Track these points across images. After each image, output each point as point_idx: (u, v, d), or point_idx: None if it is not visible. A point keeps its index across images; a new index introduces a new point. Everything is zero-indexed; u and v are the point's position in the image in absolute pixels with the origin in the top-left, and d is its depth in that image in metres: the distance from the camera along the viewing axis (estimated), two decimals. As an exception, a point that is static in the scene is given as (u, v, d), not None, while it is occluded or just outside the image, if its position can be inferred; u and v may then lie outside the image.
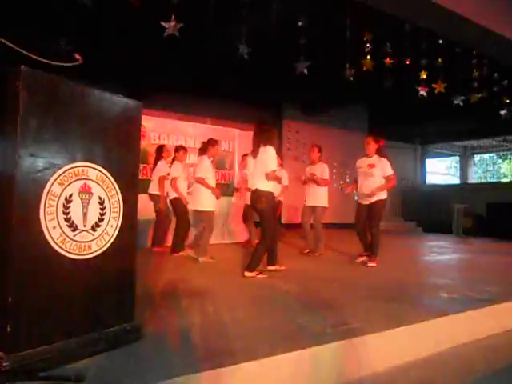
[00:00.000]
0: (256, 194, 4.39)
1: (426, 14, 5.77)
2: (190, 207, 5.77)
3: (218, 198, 5.55)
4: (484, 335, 3.13)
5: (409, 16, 5.95)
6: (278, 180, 4.56)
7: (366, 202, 5.27)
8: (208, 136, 6.33)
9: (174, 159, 6.20)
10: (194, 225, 6.15)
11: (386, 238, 9.96)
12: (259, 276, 4.32)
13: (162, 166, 6.22)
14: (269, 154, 4.35)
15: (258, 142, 4.46)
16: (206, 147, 5.64)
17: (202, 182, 5.38)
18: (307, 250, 6.37)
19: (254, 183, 4.44)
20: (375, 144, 5.33)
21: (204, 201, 5.43)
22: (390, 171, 5.22)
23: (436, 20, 5.95)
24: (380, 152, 5.33)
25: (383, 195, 5.25)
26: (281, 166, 7.08)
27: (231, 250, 6.57)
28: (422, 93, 6.87)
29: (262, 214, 4.39)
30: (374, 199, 5.19)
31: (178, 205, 5.90)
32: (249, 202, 4.86)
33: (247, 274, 4.30)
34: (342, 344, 2.35)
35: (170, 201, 6.02)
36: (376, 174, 5.23)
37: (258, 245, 4.51)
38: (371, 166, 5.28)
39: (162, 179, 6.04)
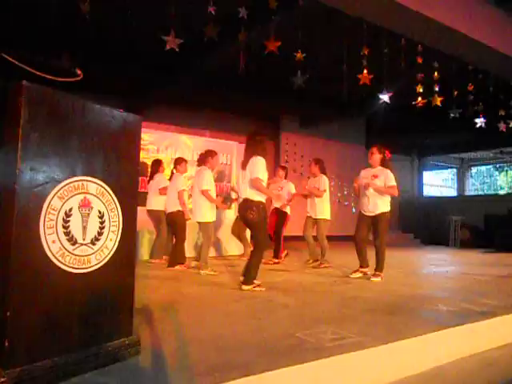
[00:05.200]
0: (246, 204, 4.26)
1: (422, 29, 5.85)
2: (192, 219, 5.74)
3: (225, 208, 5.65)
4: (483, 349, 3.11)
5: (405, 31, 6.03)
6: (263, 190, 4.27)
7: (370, 213, 5.16)
8: (206, 148, 6.34)
9: (172, 172, 6.19)
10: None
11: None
12: (256, 289, 4.26)
13: (161, 180, 6.21)
14: (257, 162, 4.24)
15: (251, 153, 4.34)
16: (205, 158, 5.60)
17: (206, 195, 5.37)
18: (311, 261, 6.39)
19: (244, 193, 4.32)
20: (379, 154, 5.21)
21: (204, 212, 5.41)
22: (392, 182, 5.10)
23: (433, 35, 6.02)
24: (385, 163, 5.22)
25: (386, 207, 5.13)
26: (285, 178, 7.13)
27: (229, 263, 6.55)
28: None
29: (253, 225, 4.27)
30: (378, 212, 5.08)
31: (179, 218, 5.86)
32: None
33: (244, 287, 4.25)
34: (342, 358, 2.34)
35: (170, 214, 5.95)
36: (378, 185, 5.14)
37: (251, 257, 4.38)
38: (375, 176, 5.17)
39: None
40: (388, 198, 5.17)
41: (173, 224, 5.96)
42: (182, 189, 5.82)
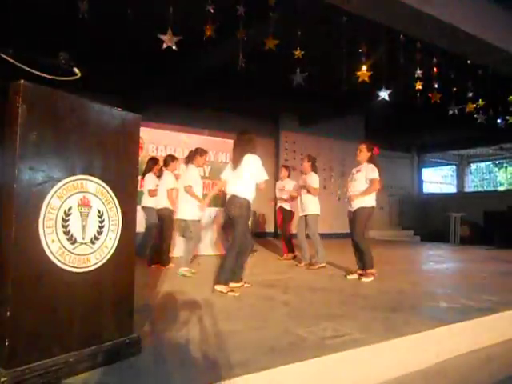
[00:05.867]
0: (232, 200, 4.19)
1: (421, 25, 5.84)
2: (176, 216, 5.62)
3: (202, 210, 5.41)
4: (484, 345, 3.12)
5: (403, 27, 6.02)
6: (262, 188, 4.24)
7: (351, 208, 5.07)
8: (205, 147, 6.31)
9: (161, 169, 6.12)
10: (183, 235, 5.95)
11: (383, 248, 9.96)
12: (230, 293, 3.98)
13: (151, 179, 6.18)
14: (256, 162, 4.20)
15: (241, 152, 4.26)
16: (194, 156, 5.57)
17: (189, 190, 5.30)
18: (302, 264, 6.18)
19: (233, 190, 4.25)
20: (368, 152, 5.09)
21: (190, 210, 5.34)
22: (372, 175, 4.93)
23: (432, 32, 6.01)
24: (372, 161, 5.08)
25: (368, 202, 4.96)
26: (288, 177, 7.15)
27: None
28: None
29: (236, 220, 4.17)
30: (357, 206, 4.96)
31: (167, 215, 5.83)
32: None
33: (217, 287, 4.02)
34: (342, 355, 2.34)
35: (159, 210, 5.87)
36: (359, 179, 5.04)
37: (226, 255, 4.23)
38: (358, 171, 5.11)
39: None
40: (372, 194, 4.99)
41: (161, 221, 5.94)
42: (171, 187, 5.78)
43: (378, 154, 5.27)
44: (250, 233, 4.40)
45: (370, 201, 5.00)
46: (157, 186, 6.03)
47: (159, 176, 6.15)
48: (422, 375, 2.57)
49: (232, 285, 4.19)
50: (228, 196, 4.37)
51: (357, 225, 4.98)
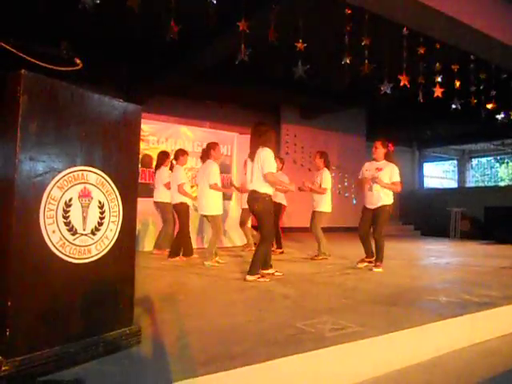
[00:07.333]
0: (253, 196, 4.34)
1: (424, 19, 5.80)
2: (198, 212, 5.77)
3: (232, 191, 6.25)
4: (483, 339, 3.13)
5: (406, 20, 5.98)
6: (278, 182, 4.43)
7: (372, 206, 5.20)
8: (206, 140, 6.31)
9: (172, 164, 6.16)
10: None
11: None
12: (260, 280, 4.29)
13: (165, 173, 6.20)
14: (266, 155, 4.27)
15: (257, 144, 4.38)
16: (208, 152, 5.61)
17: (216, 188, 5.42)
18: (320, 257, 6.22)
19: (252, 185, 4.39)
20: (383, 148, 5.24)
21: (210, 205, 5.44)
22: (397, 178, 5.14)
23: (436, 26, 5.97)
24: (389, 157, 5.26)
25: (389, 200, 5.16)
26: (281, 169, 7.13)
27: (230, 254, 6.57)
28: None
29: (259, 215, 4.33)
30: (379, 204, 5.12)
31: (183, 210, 5.88)
32: (246, 206, 4.85)
33: (249, 277, 4.28)
34: (342, 348, 2.35)
35: (174, 206, 5.96)
36: (383, 179, 5.14)
37: (257, 248, 4.44)
38: (379, 169, 5.20)
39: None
40: (391, 191, 5.19)
41: (177, 216, 5.99)
42: (181, 182, 5.80)
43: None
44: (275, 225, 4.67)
45: (391, 198, 5.20)
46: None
47: (171, 169, 6.20)
48: (422, 368, 2.58)
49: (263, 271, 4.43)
50: (249, 190, 4.47)
51: (380, 223, 5.18)
